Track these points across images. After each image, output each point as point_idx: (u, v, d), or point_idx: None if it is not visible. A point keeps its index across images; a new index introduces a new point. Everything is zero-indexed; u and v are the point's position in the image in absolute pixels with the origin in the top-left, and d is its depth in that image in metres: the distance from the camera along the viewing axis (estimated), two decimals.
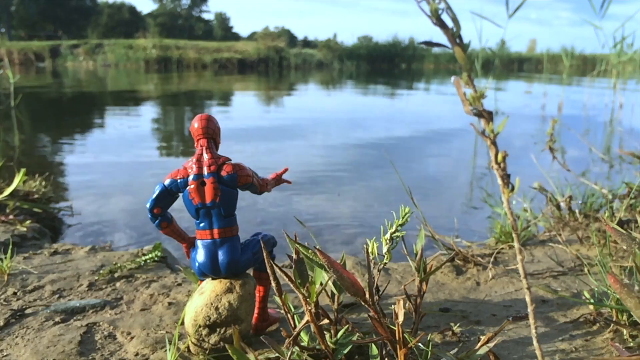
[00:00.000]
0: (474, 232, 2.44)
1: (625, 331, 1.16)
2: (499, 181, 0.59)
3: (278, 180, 1.28)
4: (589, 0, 7.17)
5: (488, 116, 0.58)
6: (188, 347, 1.14)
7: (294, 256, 0.88)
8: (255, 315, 1.21)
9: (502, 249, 1.82)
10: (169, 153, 4.49)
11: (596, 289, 1.30)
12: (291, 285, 0.89)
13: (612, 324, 1.18)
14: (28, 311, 1.35)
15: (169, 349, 1.11)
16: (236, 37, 44.74)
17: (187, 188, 1.08)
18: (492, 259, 1.66)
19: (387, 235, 0.91)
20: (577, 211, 2.05)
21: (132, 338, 1.22)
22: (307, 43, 38.82)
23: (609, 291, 1.19)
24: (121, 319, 1.31)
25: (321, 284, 0.90)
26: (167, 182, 1.10)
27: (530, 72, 25.44)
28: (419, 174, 3.61)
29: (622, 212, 1.77)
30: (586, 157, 4.27)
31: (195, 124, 1.11)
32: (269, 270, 0.94)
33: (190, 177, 1.08)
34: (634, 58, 9.52)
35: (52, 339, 1.19)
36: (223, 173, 1.08)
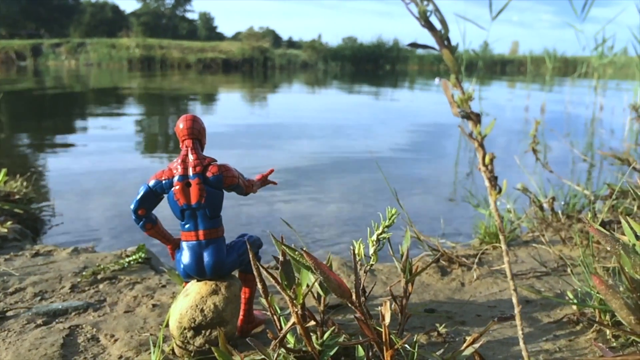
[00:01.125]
0: (457, 232, 2.45)
1: (608, 331, 1.17)
2: (487, 183, 0.59)
3: (264, 181, 1.27)
4: (571, 3, 7.25)
5: (476, 118, 0.58)
6: (173, 350, 1.13)
7: (281, 258, 0.88)
8: (240, 317, 1.20)
9: (487, 249, 1.83)
10: (150, 154, 4.46)
11: (579, 289, 1.31)
12: (277, 287, 0.89)
13: (595, 324, 1.19)
14: (9, 313, 1.33)
15: (153, 352, 1.10)
16: (220, 37, 44.54)
17: (172, 189, 1.07)
18: (476, 260, 1.66)
19: (374, 237, 0.91)
20: (560, 212, 2.07)
21: (115, 341, 1.20)
22: (291, 44, 38.78)
23: (592, 292, 1.21)
24: (104, 321, 1.30)
25: (307, 285, 0.90)
26: (151, 183, 1.09)
27: (512, 74, 25.67)
28: (401, 174, 3.62)
29: (604, 213, 1.78)
30: (567, 157, 4.32)
31: (181, 125, 1.10)
32: (255, 272, 0.94)
33: (176, 178, 1.07)
34: (614, 61, 9.65)
35: (34, 342, 1.18)
36: (208, 174, 1.08)
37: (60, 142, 4.85)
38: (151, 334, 1.23)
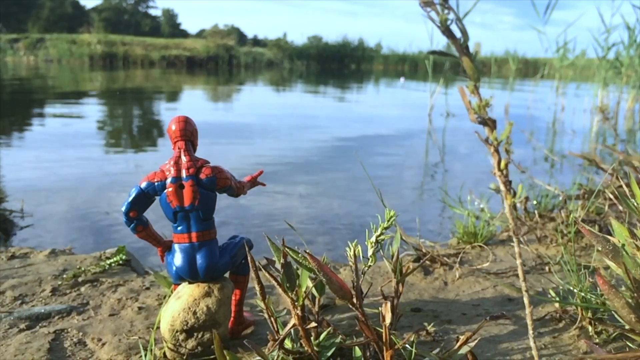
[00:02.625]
0: (432, 231, 2.49)
1: (590, 328, 1.21)
2: (502, 187, 0.60)
3: (253, 182, 1.27)
4: (534, 6, 7.43)
5: (492, 124, 0.60)
6: (164, 353, 1.12)
7: (282, 260, 0.88)
8: (231, 318, 1.20)
9: (464, 248, 1.86)
10: (115, 151, 4.38)
11: (561, 287, 1.35)
12: (279, 289, 0.89)
13: (577, 321, 1.23)
14: None
15: (145, 355, 1.09)
16: (184, 34, 43.98)
17: (165, 191, 1.06)
18: (458, 260, 1.69)
19: (373, 239, 0.92)
20: (534, 211, 2.12)
21: (103, 344, 1.19)
22: (256, 42, 38.58)
23: (573, 289, 1.24)
24: (90, 324, 1.28)
25: (307, 287, 0.90)
26: (143, 184, 1.08)
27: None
28: (371, 173, 3.65)
29: (579, 212, 1.84)
30: (530, 156, 4.42)
31: (173, 126, 1.09)
32: (253, 274, 0.94)
33: (169, 180, 1.06)
34: (575, 63, 9.92)
35: (19, 347, 1.15)
36: (202, 176, 1.07)
37: (21, 141, 4.72)
38: (140, 337, 1.21)
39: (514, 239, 0.63)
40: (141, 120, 6.53)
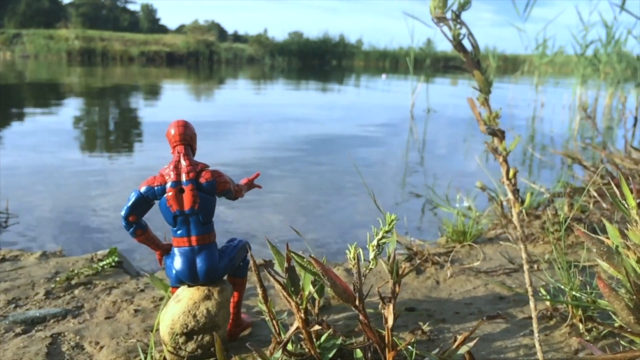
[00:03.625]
0: (418, 229, 2.51)
1: (581, 325, 1.24)
2: (510, 196, 0.62)
3: (250, 185, 1.28)
4: (514, 4, 7.50)
5: (501, 135, 0.61)
6: (164, 356, 1.13)
7: (286, 264, 0.89)
8: (229, 320, 1.21)
9: (454, 247, 1.89)
10: (97, 149, 4.34)
11: (551, 285, 1.38)
12: (282, 293, 0.90)
13: (568, 319, 1.26)
14: None
15: (144, 358, 1.09)
16: (164, 30, 43.60)
17: (165, 195, 1.07)
18: (449, 258, 1.72)
19: (374, 242, 0.94)
20: (522, 210, 2.15)
21: (101, 348, 1.19)
22: (237, 37, 38.40)
23: (564, 287, 1.27)
24: (86, 328, 1.28)
25: (310, 291, 0.92)
26: (143, 189, 1.08)
27: (455, 71, 26.25)
28: (351, 171, 3.66)
29: (565, 210, 1.88)
30: (511, 153, 4.47)
31: (172, 130, 1.09)
32: (256, 278, 0.95)
33: (168, 184, 1.07)
34: (554, 60, 10.05)
35: (16, 352, 1.15)
36: (202, 180, 1.08)
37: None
38: (138, 340, 1.22)
39: (521, 246, 0.65)
40: (122, 118, 6.47)
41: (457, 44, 0.57)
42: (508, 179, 0.62)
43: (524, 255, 0.67)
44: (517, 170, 0.62)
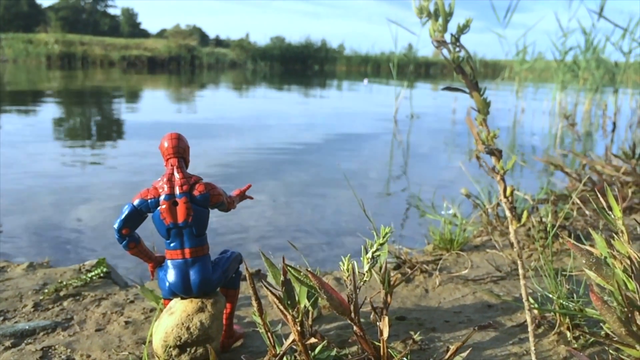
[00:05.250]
0: (404, 237, 2.53)
1: (568, 333, 1.26)
2: (507, 213, 0.64)
3: (242, 196, 1.28)
4: (494, 11, 7.60)
5: (499, 154, 0.63)
6: None
7: (282, 277, 0.90)
8: (222, 332, 1.21)
9: (442, 255, 1.91)
10: (79, 157, 4.30)
11: (539, 293, 1.40)
12: (279, 306, 0.91)
13: (556, 327, 1.28)
14: None
15: None
16: (145, 34, 43.35)
17: (159, 208, 1.07)
18: (438, 267, 1.74)
19: (369, 254, 0.95)
20: (505, 216, 2.18)
21: None
22: (219, 42, 38.32)
23: (551, 296, 1.30)
24: (77, 340, 1.27)
25: (305, 304, 0.92)
26: (136, 202, 1.08)
27: (436, 76, 26.50)
28: (337, 176, 3.68)
29: (549, 217, 1.91)
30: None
31: (165, 143, 1.10)
32: (251, 291, 0.95)
33: (162, 197, 1.07)
34: (534, 66, 10.19)
35: None
36: (195, 193, 1.08)
37: None
38: (130, 353, 1.21)
39: (519, 262, 0.67)
40: (105, 125, 6.42)
41: (457, 66, 0.58)
42: (505, 196, 0.63)
43: (521, 272, 0.68)
44: (514, 188, 0.64)
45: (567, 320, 1.27)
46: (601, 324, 1.17)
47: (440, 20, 0.56)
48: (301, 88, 14.55)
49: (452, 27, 0.61)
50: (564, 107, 8.23)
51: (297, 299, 0.91)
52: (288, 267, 0.88)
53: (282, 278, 0.90)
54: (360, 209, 1.57)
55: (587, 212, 2.13)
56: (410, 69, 8.68)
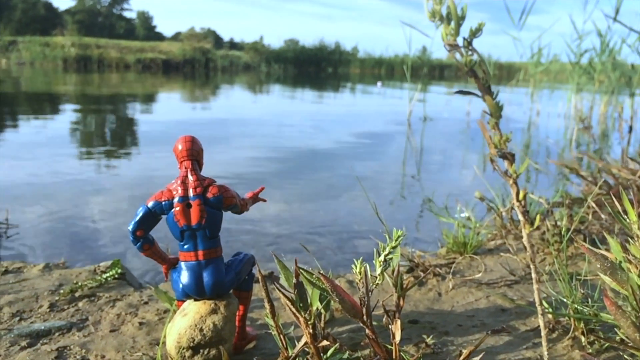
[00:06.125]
0: (418, 239, 2.52)
1: (583, 338, 1.25)
2: (520, 217, 0.64)
3: (255, 199, 1.29)
4: (508, 13, 7.55)
5: (511, 158, 0.63)
6: None
7: (294, 280, 0.90)
8: (235, 334, 1.22)
9: (455, 258, 1.90)
10: (96, 157, 4.34)
11: (553, 297, 1.39)
12: (291, 309, 0.91)
13: (570, 332, 1.27)
14: None
15: None
16: (160, 37, 43.68)
17: (172, 210, 1.08)
18: (451, 270, 1.73)
19: (381, 258, 0.95)
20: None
21: None
22: (233, 45, 38.49)
23: (566, 300, 1.29)
24: (92, 341, 1.28)
25: (318, 307, 0.93)
26: (150, 204, 1.09)
27: (450, 79, 26.40)
28: (350, 179, 3.68)
29: (564, 221, 1.89)
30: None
31: (179, 146, 1.11)
32: (264, 293, 0.96)
33: (176, 200, 1.08)
34: (549, 68, 10.12)
35: None
36: (209, 195, 1.09)
37: None
38: (144, 354, 1.22)
39: (532, 266, 0.67)
40: (121, 126, 6.48)
41: (469, 70, 0.58)
42: (518, 200, 0.63)
43: (534, 276, 0.68)
44: (527, 192, 0.64)
45: (582, 325, 1.26)
46: (616, 329, 1.16)
47: (453, 24, 0.56)
48: (315, 91, 14.57)
49: (465, 30, 0.61)
50: (579, 110, 8.16)
51: (309, 301, 0.91)
52: (300, 270, 0.88)
53: (294, 280, 0.90)
54: (374, 211, 1.57)
55: (602, 216, 2.11)
56: (424, 72, 8.65)
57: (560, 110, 8.93)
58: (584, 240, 1.93)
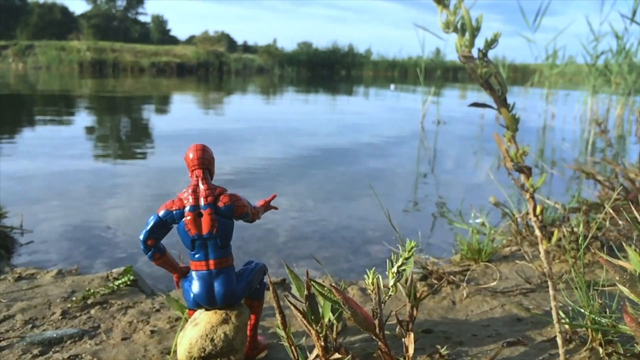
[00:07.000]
0: (431, 245, 2.50)
1: (601, 350, 1.23)
2: (537, 232, 0.62)
3: (267, 207, 1.28)
4: (523, 15, 7.49)
5: (528, 172, 0.61)
6: None
7: (305, 292, 0.89)
8: (246, 343, 1.20)
9: (469, 265, 1.88)
10: (111, 162, 4.36)
11: (570, 307, 1.37)
12: (303, 322, 0.90)
13: (588, 342, 1.25)
14: (2, 343, 1.29)
15: None
16: (174, 41, 43.95)
17: (183, 219, 1.07)
18: (465, 278, 1.71)
19: (394, 269, 0.93)
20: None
21: None
22: (247, 48, 38.64)
23: (583, 310, 1.26)
24: (103, 349, 1.28)
25: (330, 319, 0.91)
26: (161, 213, 1.09)
27: (464, 81, 26.27)
28: (363, 183, 3.66)
29: (581, 228, 1.86)
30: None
31: (191, 155, 1.10)
32: (275, 304, 0.95)
33: (187, 209, 1.07)
34: (565, 70, 10.02)
35: None
36: (220, 204, 1.08)
37: (12, 153, 4.69)
38: None
39: (549, 283, 0.65)
40: (135, 130, 6.51)
41: (484, 82, 0.57)
42: (535, 215, 0.62)
43: (551, 292, 0.66)
44: (544, 207, 0.62)
45: (600, 335, 1.23)
46: (635, 343, 1.13)
47: (467, 35, 0.54)
48: (328, 94, 14.56)
49: (480, 39, 0.59)
50: (595, 112, 8.07)
51: (321, 313, 0.90)
52: (312, 282, 0.87)
53: (306, 292, 0.89)
54: (386, 217, 1.55)
55: (620, 222, 2.08)
56: (437, 74, 8.61)
57: (576, 112, 8.84)
58: (601, 247, 1.90)
